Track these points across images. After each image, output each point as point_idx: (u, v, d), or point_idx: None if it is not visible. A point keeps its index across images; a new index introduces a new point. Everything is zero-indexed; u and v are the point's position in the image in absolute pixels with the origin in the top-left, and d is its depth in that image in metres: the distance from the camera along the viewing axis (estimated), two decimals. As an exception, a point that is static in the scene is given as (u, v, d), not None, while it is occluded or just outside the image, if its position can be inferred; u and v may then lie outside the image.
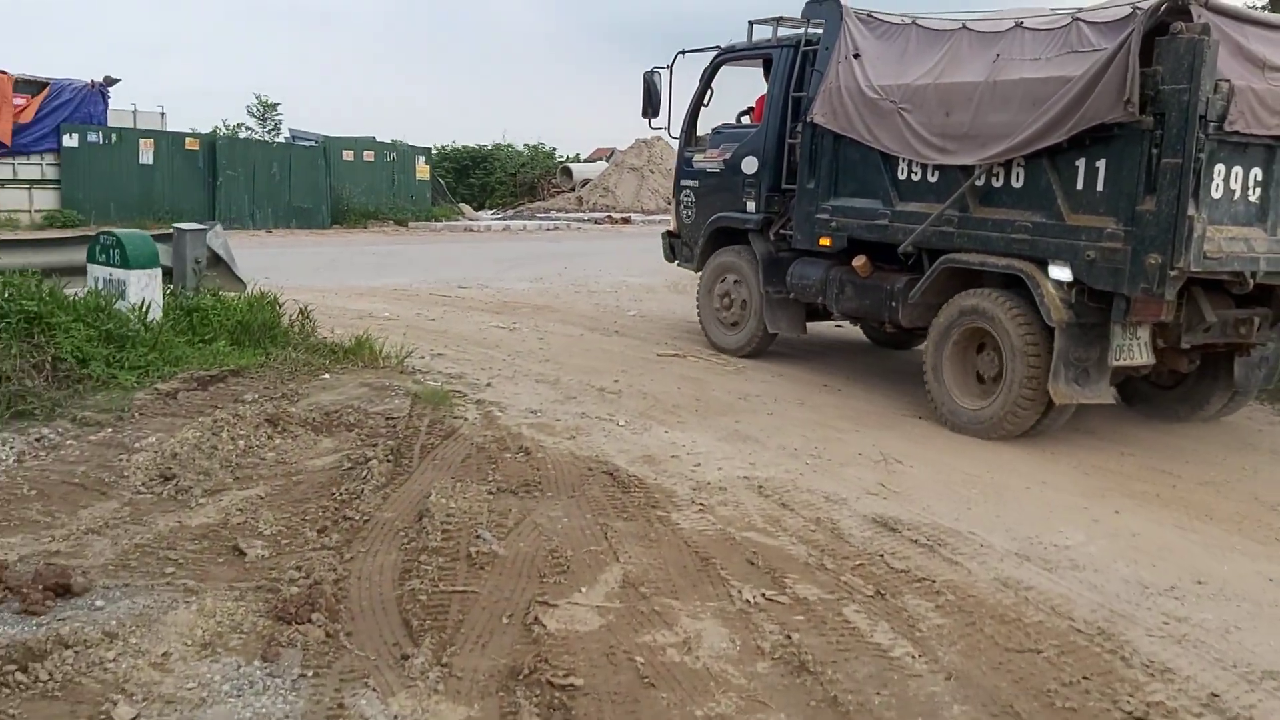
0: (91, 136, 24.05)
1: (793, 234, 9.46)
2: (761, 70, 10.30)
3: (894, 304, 8.51)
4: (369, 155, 29.42)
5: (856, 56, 8.67)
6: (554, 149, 43.43)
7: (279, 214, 26.99)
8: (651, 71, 10.86)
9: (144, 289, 7.88)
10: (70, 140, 23.69)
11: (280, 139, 34.03)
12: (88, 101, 24.12)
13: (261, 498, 5.27)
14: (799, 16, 9.53)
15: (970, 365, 7.91)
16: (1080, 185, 6.99)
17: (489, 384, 8.30)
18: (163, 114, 26.79)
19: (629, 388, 8.46)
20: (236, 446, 5.93)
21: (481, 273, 16.77)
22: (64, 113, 23.68)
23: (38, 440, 5.92)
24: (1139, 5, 6.63)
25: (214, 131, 31.37)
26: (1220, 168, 6.52)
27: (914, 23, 8.45)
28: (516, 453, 6.30)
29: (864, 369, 10.17)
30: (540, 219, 32.66)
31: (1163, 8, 6.43)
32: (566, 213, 35.29)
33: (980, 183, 7.64)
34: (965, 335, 7.84)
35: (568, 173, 40.02)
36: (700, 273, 10.81)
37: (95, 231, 8.06)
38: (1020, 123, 7.21)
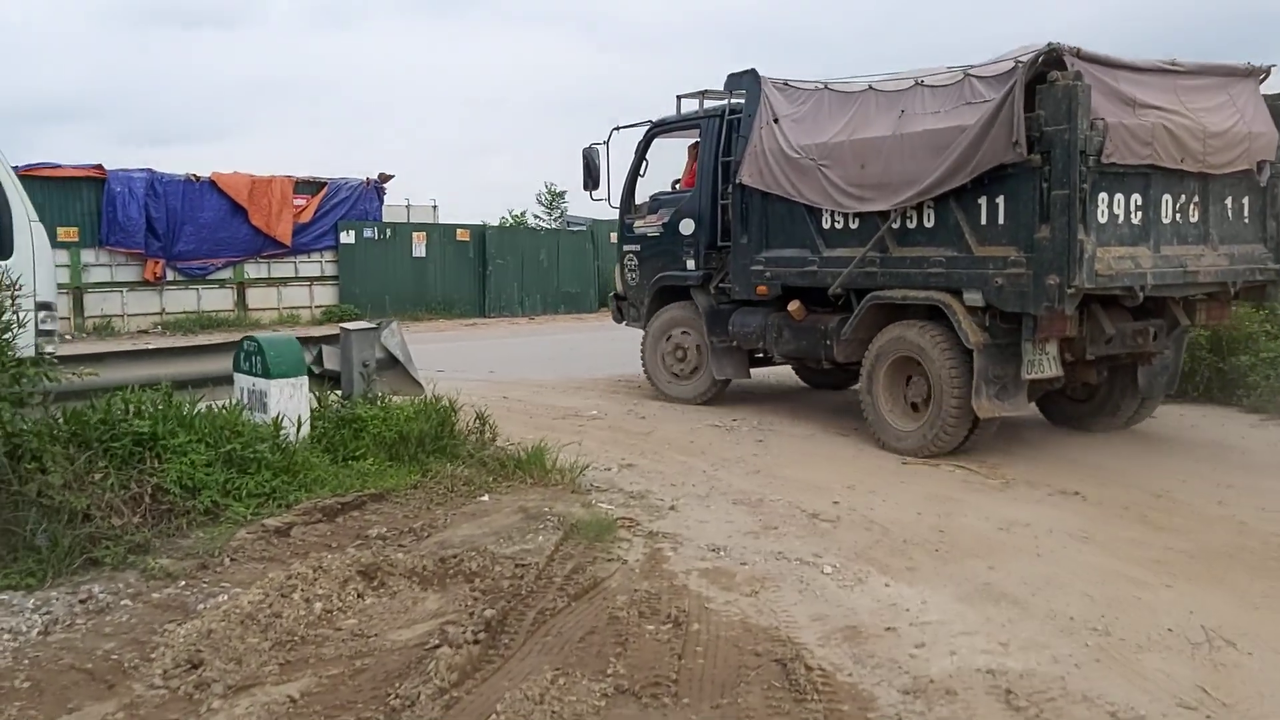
0: (367, 232, 24.97)
1: (731, 286, 10.20)
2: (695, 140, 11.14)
3: (828, 342, 9.25)
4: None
5: (776, 121, 9.51)
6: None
7: (547, 299, 27.37)
8: (590, 148, 11.67)
9: (286, 401, 7.00)
10: (347, 237, 24.61)
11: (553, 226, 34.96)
12: (363, 199, 25.07)
13: (295, 700, 3.98)
14: (722, 89, 10.39)
15: (901, 392, 8.64)
16: (984, 220, 7.81)
17: (673, 506, 6.82)
18: (434, 207, 27.26)
19: (851, 512, 6.68)
20: (310, 612, 4.74)
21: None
22: (341, 210, 24.64)
23: (83, 602, 4.91)
24: (1020, 59, 7.52)
25: (486, 223, 31.39)
26: (1104, 195, 7.36)
27: (825, 87, 9.31)
28: (664, 623, 4.70)
29: (1194, 482, 7.49)
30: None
31: (1040, 60, 7.32)
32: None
33: (896, 225, 8.44)
34: (895, 364, 8.59)
35: None
36: (645, 330, 11.49)
37: (240, 337, 7.38)
38: (927, 169, 8.04)
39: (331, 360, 8.03)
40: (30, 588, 5.02)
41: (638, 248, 11.62)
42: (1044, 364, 7.86)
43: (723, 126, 10.42)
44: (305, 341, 7.98)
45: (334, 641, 4.51)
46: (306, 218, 24.03)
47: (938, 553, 5.88)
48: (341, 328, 8.07)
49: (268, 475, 6.29)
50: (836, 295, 9.05)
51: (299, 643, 4.48)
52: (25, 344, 6.65)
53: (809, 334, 9.49)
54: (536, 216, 38.37)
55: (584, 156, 11.72)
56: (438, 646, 4.34)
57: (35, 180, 20.67)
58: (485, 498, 6.71)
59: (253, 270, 23.61)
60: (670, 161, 11.79)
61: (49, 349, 7.15)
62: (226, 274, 23.28)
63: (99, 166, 21.48)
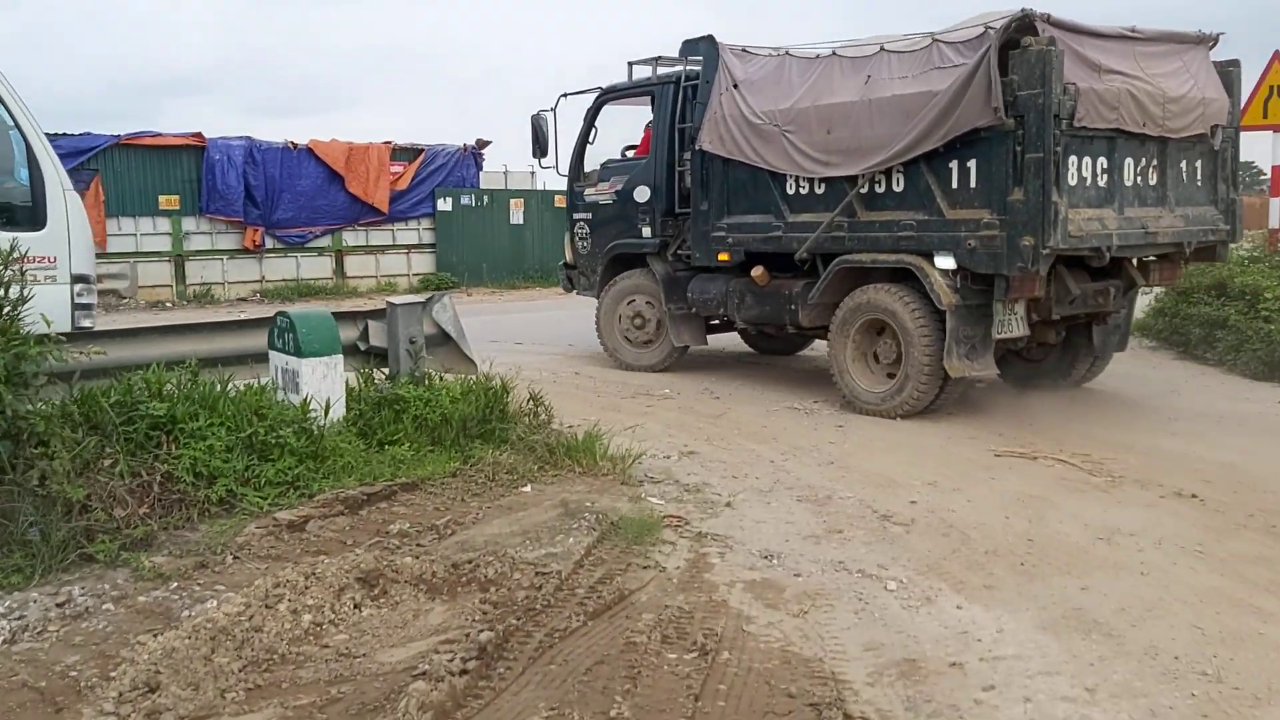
0: (464, 199, 24.71)
1: (691, 253, 10.21)
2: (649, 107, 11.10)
3: (793, 307, 9.33)
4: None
5: (736, 87, 9.52)
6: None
7: (646, 268, 27.15)
8: (538, 114, 11.53)
9: (319, 381, 6.52)
10: (444, 204, 24.38)
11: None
12: (460, 165, 24.85)
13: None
14: (676, 55, 10.36)
15: (869, 353, 8.78)
16: (955, 184, 7.96)
17: (729, 503, 6.14)
18: (533, 173, 26.32)
19: (929, 514, 5.91)
20: (296, 625, 4.22)
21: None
22: (439, 178, 24.43)
23: (60, 605, 4.48)
24: (990, 24, 7.66)
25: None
26: (1074, 159, 7.57)
27: (786, 53, 9.35)
28: (689, 651, 4.11)
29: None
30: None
31: (1013, 25, 7.46)
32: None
33: (864, 190, 8.55)
34: (863, 327, 8.72)
35: None
36: (599, 299, 11.44)
37: (274, 313, 6.97)
38: (896, 134, 8.15)
39: (378, 336, 7.54)
40: (13, 587, 4.64)
41: (589, 216, 11.54)
42: (1013, 324, 8.08)
43: (678, 93, 10.38)
44: (351, 316, 7.66)
45: (315, 662, 4.01)
46: (403, 185, 23.86)
47: (1023, 567, 5.08)
48: (388, 302, 7.63)
49: (291, 462, 5.84)
50: (803, 260, 9.13)
51: (276, 663, 3.99)
52: (60, 319, 6.36)
53: (773, 299, 9.57)
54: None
55: (532, 123, 11.58)
56: (421, 675, 3.76)
57: (137, 148, 20.97)
58: (527, 488, 6.19)
59: (350, 238, 23.54)
60: (622, 129, 11.73)
61: (86, 323, 6.81)
62: (325, 242, 23.21)
63: (198, 135, 21.47)
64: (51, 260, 6.61)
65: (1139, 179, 8.05)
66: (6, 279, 5.05)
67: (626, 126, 11.70)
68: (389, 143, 23.70)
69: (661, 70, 10.87)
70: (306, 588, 4.50)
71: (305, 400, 6.33)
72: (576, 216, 11.74)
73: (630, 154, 11.59)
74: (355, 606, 4.45)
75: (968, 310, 8.06)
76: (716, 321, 10.82)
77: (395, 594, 4.59)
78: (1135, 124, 7.77)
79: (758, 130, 9.26)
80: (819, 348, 11.30)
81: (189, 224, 21.55)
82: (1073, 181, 7.59)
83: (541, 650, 4.11)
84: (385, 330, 7.54)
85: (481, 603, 4.48)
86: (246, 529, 5.30)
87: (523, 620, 4.32)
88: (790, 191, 9.21)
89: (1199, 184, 8.52)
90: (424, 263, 24.50)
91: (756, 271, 9.56)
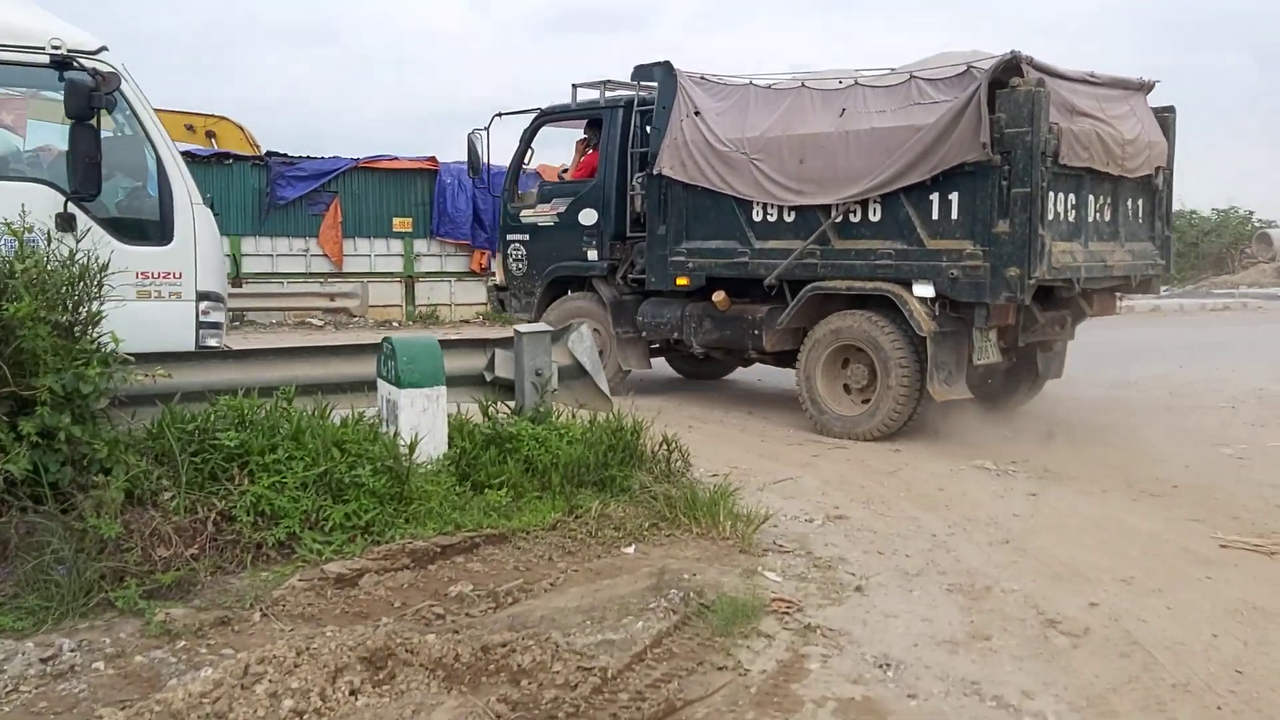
0: None
1: (645, 277, 10.20)
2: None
3: (757, 332, 9.46)
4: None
5: (698, 114, 9.61)
6: (1250, 213, 37.12)
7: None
8: (473, 132, 11.32)
9: (418, 414, 5.99)
10: None
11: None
12: None
13: None
14: (628, 79, 10.37)
15: (838, 378, 8.99)
16: (936, 215, 8.27)
17: (859, 587, 5.09)
18: None
19: (1110, 623, 4.65)
20: (272, 714, 3.48)
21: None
22: None
23: (45, 661, 3.99)
24: (974, 64, 8.03)
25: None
26: (1052, 195, 8.00)
27: (750, 83, 9.51)
28: None
29: None
30: (1219, 295, 27.19)
31: (1001, 66, 7.84)
32: (1261, 287, 29.42)
33: (839, 219, 8.77)
34: (834, 353, 8.92)
35: (1265, 240, 34.03)
36: (538, 322, 11.26)
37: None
38: (875, 166, 8.42)
39: (504, 367, 6.96)
40: (17, 633, 4.17)
41: (525, 237, 11.36)
42: (988, 350, 8.44)
43: (630, 117, 10.39)
44: (478, 344, 7.20)
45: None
46: None
47: (1219, 712, 3.81)
48: (515, 330, 7.06)
49: (367, 504, 5.27)
50: (771, 286, 9.27)
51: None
52: (184, 337, 5.96)
53: (734, 324, 9.66)
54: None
55: (468, 141, 11.36)
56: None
57: (374, 172, 20.99)
58: (629, 550, 5.44)
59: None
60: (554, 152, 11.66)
61: (212, 342, 6.32)
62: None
63: (432, 158, 21.45)
64: (176, 276, 6.28)
65: (1098, 215, 8.59)
66: (76, 295, 4.59)
67: (563, 149, 11.64)
68: None
69: (609, 94, 10.84)
70: (296, 665, 3.72)
71: (394, 435, 5.86)
72: (511, 238, 11.53)
73: (565, 176, 11.51)
74: (351, 693, 3.65)
75: (944, 337, 8.37)
76: (656, 345, 10.83)
77: (404, 680, 3.77)
78: (1102, 164, 8.30)
79: (723, 157, 9.37)
80: (750, 372, 11.57)
81: (420, 246, 21.56)
82: (1050, 216, 8.02)
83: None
84: (513, 360, 7.01)
85: (499, 701, 3.67)
86: (289, 581, 4.69)
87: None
88: (757, 219, 9.34)
89: (1140, 221, 9.16)
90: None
91: (718, 296, 9.64)
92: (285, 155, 20.25)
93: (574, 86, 10.99)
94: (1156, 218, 9.31)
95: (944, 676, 4.07)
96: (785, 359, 9.65)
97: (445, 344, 6.56)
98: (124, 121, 6.35)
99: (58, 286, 4.56)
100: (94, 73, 5.74)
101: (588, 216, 10.71)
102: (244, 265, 19.70)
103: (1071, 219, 8.29)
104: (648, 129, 10.19)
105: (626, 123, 10.43)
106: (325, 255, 20.45)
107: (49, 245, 4.85)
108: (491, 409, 6.64)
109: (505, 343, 7.04)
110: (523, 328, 7.12)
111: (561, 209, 10.97)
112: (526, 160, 11.54)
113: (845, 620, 4.65)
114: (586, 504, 5.85)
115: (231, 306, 19.47)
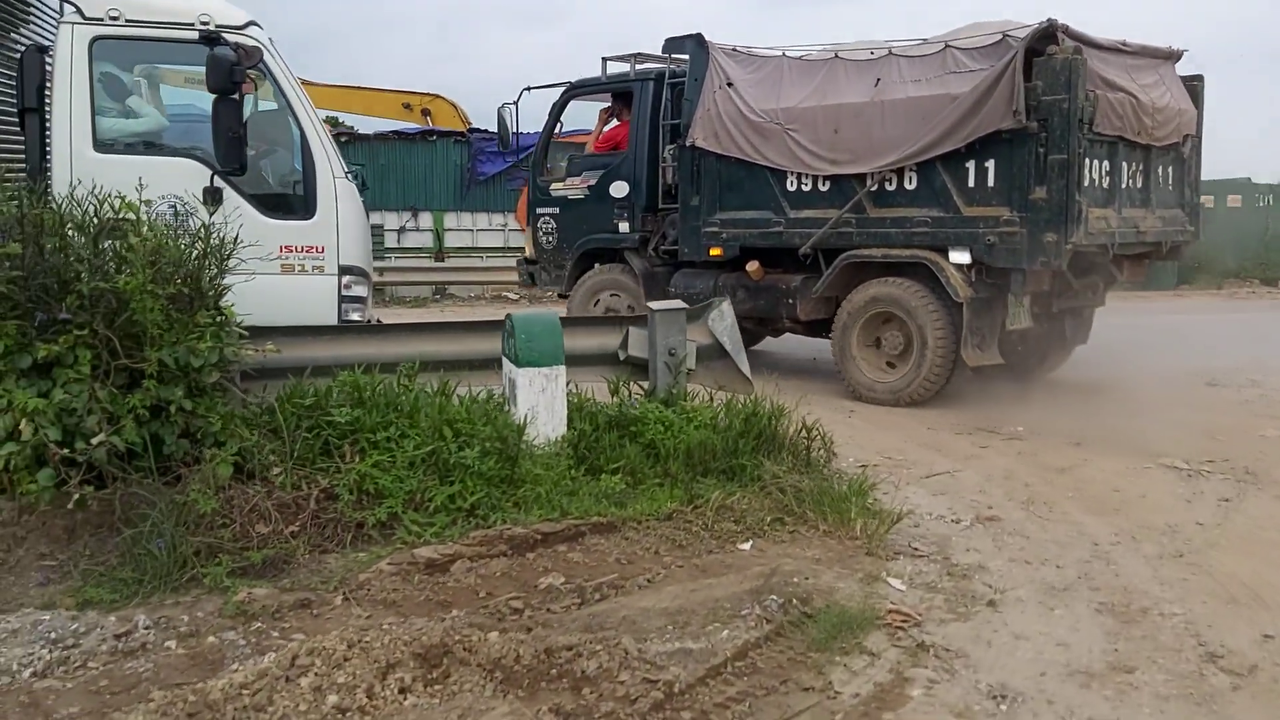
0: None
1: (677, 249, 10.33)
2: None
3: (791, 301, 9.60)
4: (1234, 200, 23.00)
5: (731, 85, 9.72)
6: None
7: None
8: (502, 106, 11.44)
9: (536, 394, 5.77)
10: None
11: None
12: None
13: None
14: (660, 52, 10.48)
15: (873, 344, 9.14)
16: (973, 183, 8.41)
17: (993, 601, 4.47)
18: None
19: None
20: (315, 709, 3.29)
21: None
22: None
23: (119, 637, 3.89)
24: (1009, 33, 8.14)
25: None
26: (1088, 161, 8.13)
27: (784, 55, 9.63)
28: None
29: None
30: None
31: (1038, 34, 7.96)
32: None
33: (874, 188, 8.90)
34: (869, 321, 9.07)
35: None
36: (571, 294, 11.41)
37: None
38: (911, 134, 8.54)
39: (638, 346, 6.65)
40: (106, 606, 4.14)
41: (555, 210, 11.47)
42: (1021, 316, 8.60)
43: (661, 89, 10.50)
44: (612, 322, 7.07)
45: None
46: None
47: None
48: (649, 307, 6.80)
49: (475, 484, 5.04)
50: (806, 255, 9.40)
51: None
52: (325, 311, 6.09)
53: (768, 293, 9.80)
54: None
55: (497, 115, 11.50)
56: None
57: (570, 146, 20.24)
58: (745, 546, 5.00)
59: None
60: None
61: (355, 316, 6.40)
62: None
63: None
64: (319, 250, 6.33)
65: (1130, 182, 8.73)
66: (189, 268, 4.70)
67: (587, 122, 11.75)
68: None
69: (640, 67, 10.95)
70: (346, 659, 3.51)
71: (508, 413, 5.73)
72: (541, 211, 11.65)
73: (588, 149, 11.64)
74: (400, 692, 3.42)
75: (980, 303, 8.52)
76: None
77: (458, 680, 3.51)
78: (1133, 132, 8.43)
79: (757, 128, 9.48)
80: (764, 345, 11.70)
81: None
82: (1086, 183, 8.15)
83: None
84: (646, 339, 6.71)
85: (550, 711, 3.37)
86: (377, 564, 4.50)
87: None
88: (791, 188, 9.47)
89: (1170, 188, 9.29)
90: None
91: (752, 266, 9.77)
92: (486, 131, 19.86)
93: (604, 60, 11.10)
94: (1185, 185, 9.45)
95: (1066, 714, 3.48)
96: (817, 328, 9.82)
97: (578, 321, 6.53)
98: (273, 94, 6.43)
99: (174, 260, 4.63)
100: (236, 47, 5.83)
101: (619, 189, 10.82)
102: (446, 240, 19.87)
103: (1105, 185, 8.42)
104: (680, 101, 10.29)
105: (658, 95, 10.53)
106: (522, 230, 20.50)
107: (204, 219, 4.93)
108: (623, 390, 6.42)
109: (640, 320, 6.78)
110: (656, 305, 6.88)
111: (592, 182, 11.07)
112: (557, 133, 11.64)
113: (967, 640, 4.07)
114: (707, 494, 5.40)
115: (434, 280, 20.04)
